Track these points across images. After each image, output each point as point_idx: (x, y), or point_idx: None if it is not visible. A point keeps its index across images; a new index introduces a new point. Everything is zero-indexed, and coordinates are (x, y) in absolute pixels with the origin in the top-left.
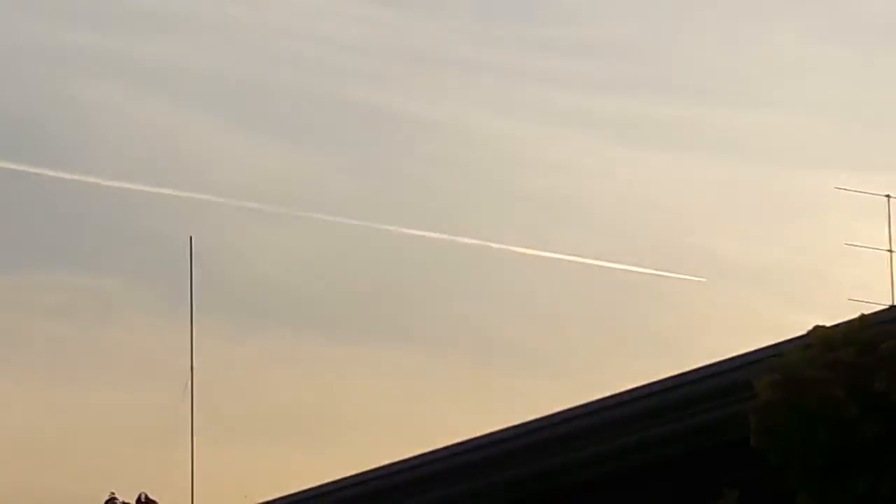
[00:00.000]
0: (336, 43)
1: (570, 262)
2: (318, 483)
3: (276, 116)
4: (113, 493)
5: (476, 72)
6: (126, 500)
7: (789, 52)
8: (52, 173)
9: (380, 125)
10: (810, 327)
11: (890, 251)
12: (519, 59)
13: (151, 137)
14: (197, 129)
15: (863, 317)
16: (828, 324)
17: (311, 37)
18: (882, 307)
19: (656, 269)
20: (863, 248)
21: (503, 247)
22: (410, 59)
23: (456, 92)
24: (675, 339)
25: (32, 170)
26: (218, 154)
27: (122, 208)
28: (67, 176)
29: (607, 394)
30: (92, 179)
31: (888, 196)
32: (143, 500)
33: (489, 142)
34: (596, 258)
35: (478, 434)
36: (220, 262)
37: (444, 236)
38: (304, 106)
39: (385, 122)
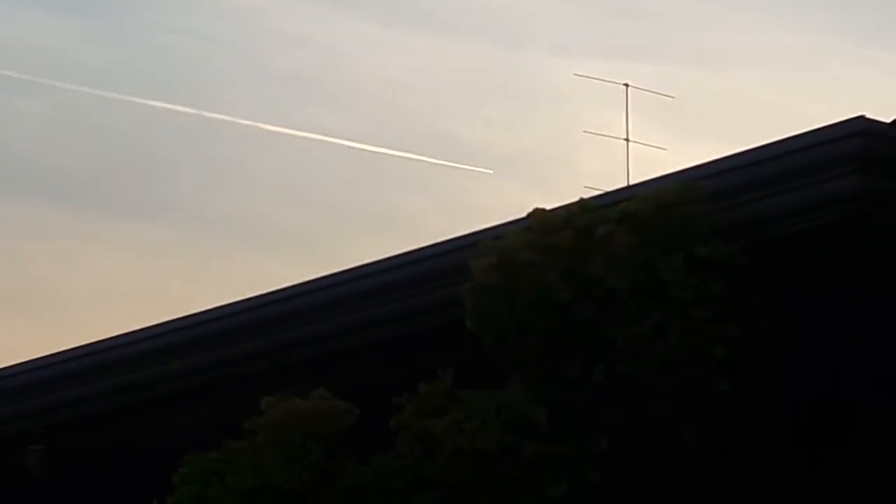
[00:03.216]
0: None
1: (320, 141)
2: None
3: None
4: None
5: None
6: None
7: None
8: None
9: None
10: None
11: (627, 140)
12: None
13: None
14: None
15: (582, 200)
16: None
17: None
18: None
19: (407, 152)
20: (601, 137)
21: (251, 123)
22: None
23: None
24: (432, 224)
25: None
26: None
27: None
28: None
29: (330, 272)
30: None
31: (627, 85)
32: None
33: (242, 15)
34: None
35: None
36: None
37: (192, 110)
38: None
39: None
